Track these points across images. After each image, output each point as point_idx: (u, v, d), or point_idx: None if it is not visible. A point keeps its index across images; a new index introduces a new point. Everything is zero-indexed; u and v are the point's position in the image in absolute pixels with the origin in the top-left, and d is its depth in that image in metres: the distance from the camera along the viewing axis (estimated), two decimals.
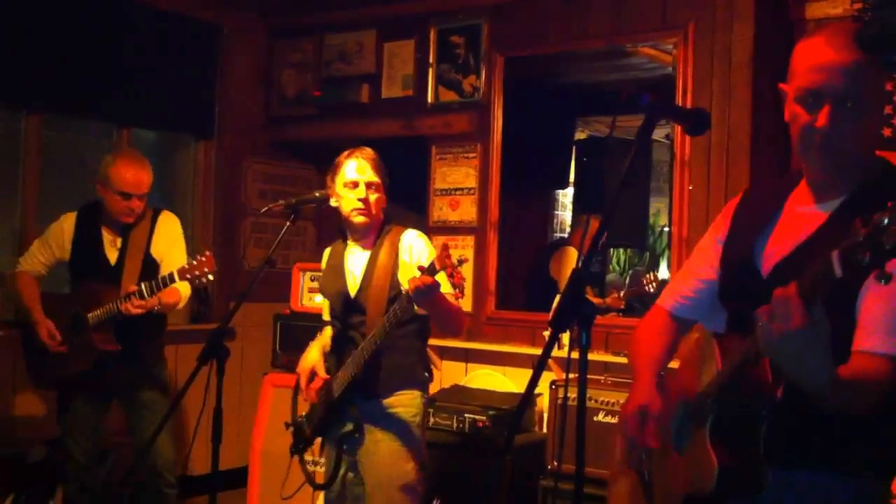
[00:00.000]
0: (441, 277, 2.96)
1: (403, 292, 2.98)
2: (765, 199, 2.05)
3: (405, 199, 4.81)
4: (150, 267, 4.08)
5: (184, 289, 4.07)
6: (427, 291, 2.86)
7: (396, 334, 3.13)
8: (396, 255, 3.22)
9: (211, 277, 3.81)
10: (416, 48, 5.22)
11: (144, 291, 3.83)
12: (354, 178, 3.22)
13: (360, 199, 3.20)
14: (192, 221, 5.52)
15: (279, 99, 5.85)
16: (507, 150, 4.94)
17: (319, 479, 3.55)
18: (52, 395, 4.47)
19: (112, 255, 4.12)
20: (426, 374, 3.36)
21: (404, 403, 3.22)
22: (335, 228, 3.52)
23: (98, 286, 4.03)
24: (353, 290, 3.27)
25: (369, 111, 5.38)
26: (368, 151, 3.28)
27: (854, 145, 1.82)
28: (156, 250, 4.15)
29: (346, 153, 3.29)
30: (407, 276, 3.06)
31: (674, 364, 2.18)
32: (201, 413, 3.50)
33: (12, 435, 4.62)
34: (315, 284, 4.66)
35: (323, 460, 3.42)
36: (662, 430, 1.97)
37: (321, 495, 3.57)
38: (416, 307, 3.06)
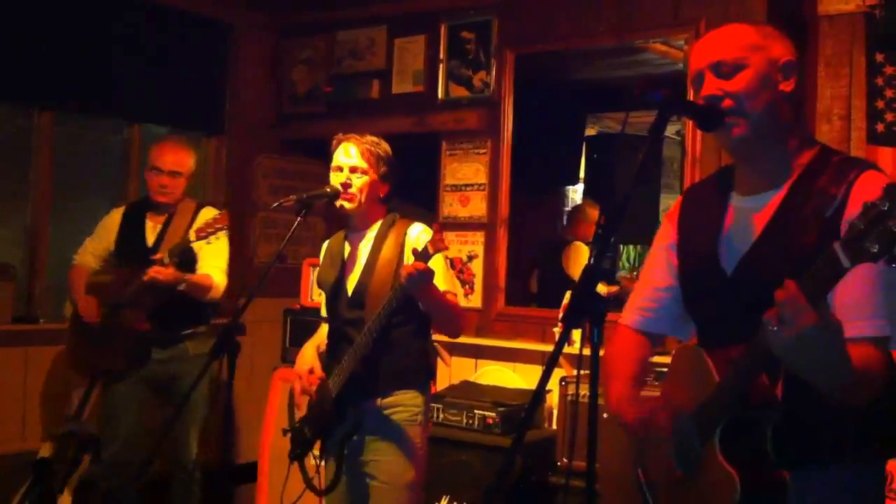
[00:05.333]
0: (438, 277, 2.86)
1: (398, 281, 2.84)
2: (706, 199, 2.05)
3: (415, 195, 4.82)
4: (187, 253, 4.07)
5: (217, 277, 4.13)
6: (420, 278, 2.72)
7: (394, 334, 3.00)
8: (402, 250, 3.05)
9: (225, 233, 3.96)
10: (426, 44, 5.22)
11: (166, 259, 3.87)
12: (339, 163, 3.11)
13: (341, 184, 3.08)
14: None
15: (290, 95, 5.85)
16: (517, 146, 4.93)
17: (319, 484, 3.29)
18: (62, 392, 4.49)
19: (151, 239, 4.19)
20: (427, 374, 3.19)
21: (404, 404, 3.06)
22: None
23: (134, 266, 4.06)
24: (350, 284, 3.12)
25: (380, 107, 5.37)
26: (360, 137, 3.13)
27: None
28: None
29: (336, 138, 3.17)
30: None
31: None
32: (211, 408, 3.52)
33: (23, 430, 4.64)
34: None
35: (324, 464, 3.23)
36: (664, 455, 1.89)
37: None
38: (411, 294, 2.84)
